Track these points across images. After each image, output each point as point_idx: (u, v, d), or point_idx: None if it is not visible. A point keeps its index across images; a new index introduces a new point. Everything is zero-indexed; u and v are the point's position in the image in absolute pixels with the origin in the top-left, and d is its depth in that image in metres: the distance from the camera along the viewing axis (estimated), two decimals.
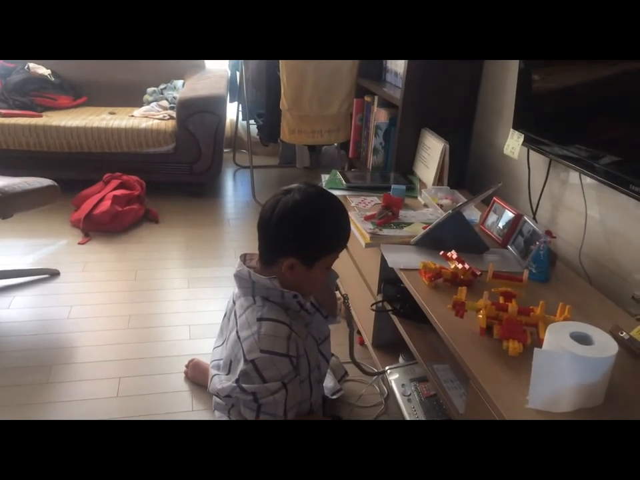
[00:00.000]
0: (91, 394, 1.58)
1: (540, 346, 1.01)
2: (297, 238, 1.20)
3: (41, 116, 2.99)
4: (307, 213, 1.20)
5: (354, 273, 1.85)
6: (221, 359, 1.34)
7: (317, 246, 1.22)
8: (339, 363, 1.66)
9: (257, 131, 3.42)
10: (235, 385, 1.22)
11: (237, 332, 1.24)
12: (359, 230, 1.60)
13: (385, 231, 1.58)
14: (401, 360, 1.61)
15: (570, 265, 1.57)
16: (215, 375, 1.34)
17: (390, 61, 2.45)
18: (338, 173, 2.11)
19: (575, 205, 1.60)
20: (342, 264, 2.01)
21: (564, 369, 0.93)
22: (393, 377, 1.52)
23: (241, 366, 1.20)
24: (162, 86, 3.40)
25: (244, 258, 1.31)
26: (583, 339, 0.97)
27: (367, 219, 1.65)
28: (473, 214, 1.74)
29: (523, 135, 1.68)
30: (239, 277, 1.28)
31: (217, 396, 1.34)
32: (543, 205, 1.75)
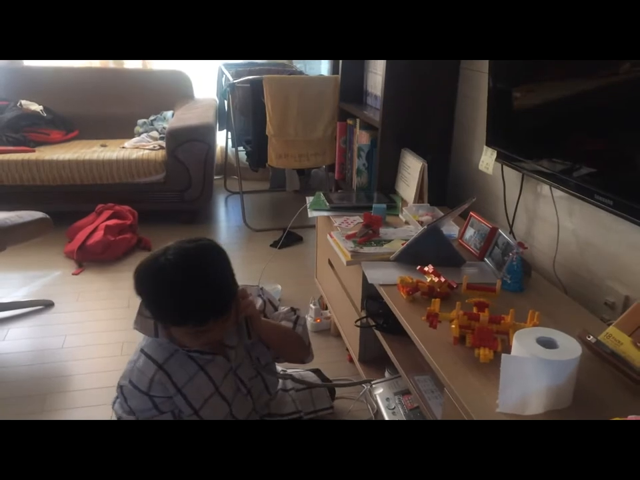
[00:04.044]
0: None
1: (510, 352, 1.05)
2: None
3: (34, 151, 3.06)
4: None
5: (340, 291, 1.89)
6: None
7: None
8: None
9: (246, 157, 3.49)
10: (115, 397, 1.36)
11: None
12: (341, 248, 1.65)
13: (366, 249, 1.63)
14: (386, 374, 1.65)
15: (545, 274, 1.61)
16: None
17: (370, 84, 2.53)
18: (322, 194, 2.16)
19: (548, 217, 1.65)
20: (328, 282, 2.06)
21: (530, 372, 0.97)
22: (378, 392, 1.55)
23: (120, 382, 1.34)
24: (152, 117, 3.49)
25: None
26: (548, 343, 1.01)
27: (349, 237, 1.70)
28: (452, 229, 1.79)
29: (496, 152, 1.75)
30: None
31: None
32: (519, 217, 1.80)
